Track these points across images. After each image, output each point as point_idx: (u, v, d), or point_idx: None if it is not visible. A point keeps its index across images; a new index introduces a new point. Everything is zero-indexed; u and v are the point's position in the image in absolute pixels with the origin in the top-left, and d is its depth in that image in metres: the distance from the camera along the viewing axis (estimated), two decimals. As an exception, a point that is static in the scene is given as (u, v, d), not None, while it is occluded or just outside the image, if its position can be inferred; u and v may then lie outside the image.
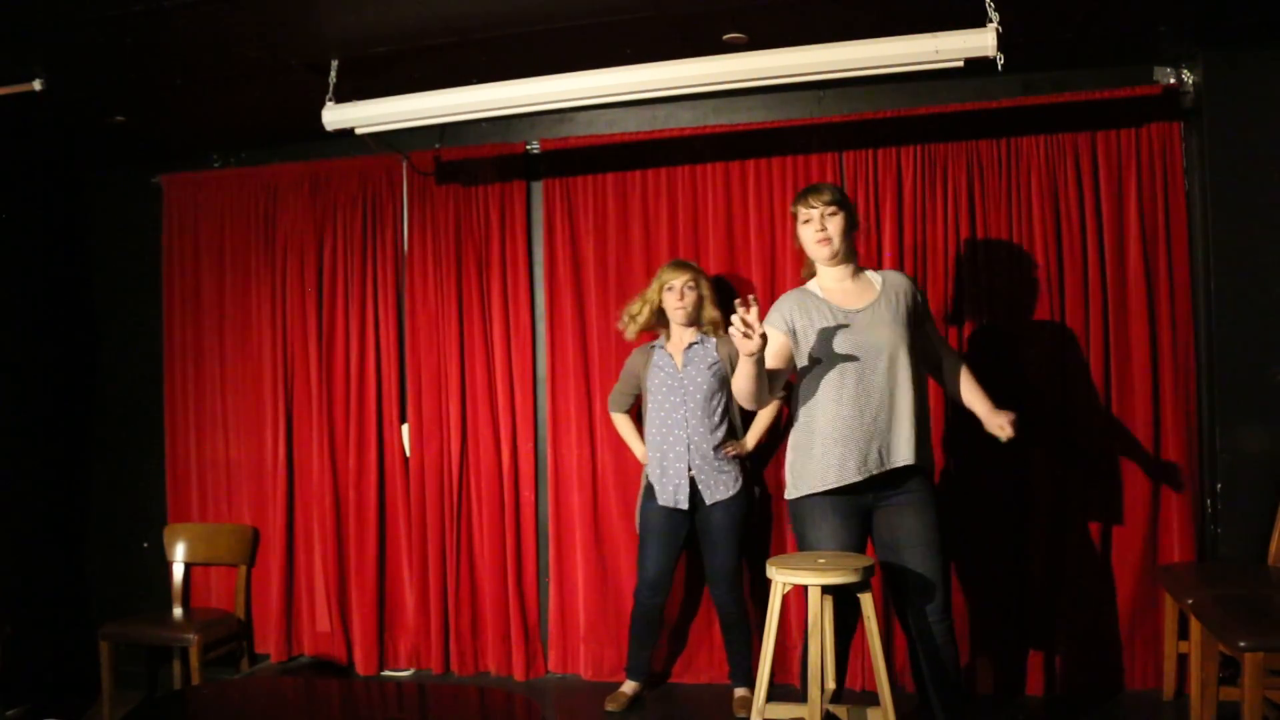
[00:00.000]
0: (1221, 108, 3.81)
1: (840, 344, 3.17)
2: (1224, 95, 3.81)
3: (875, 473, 3.14)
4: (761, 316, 3.02)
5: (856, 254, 3.36)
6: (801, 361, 3.26)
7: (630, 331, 4.04)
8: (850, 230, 3.28)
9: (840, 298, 3.26)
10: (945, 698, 3.19)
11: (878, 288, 3.28)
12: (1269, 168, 3.75)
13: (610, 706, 3.99)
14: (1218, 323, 3.81)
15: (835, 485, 3.14)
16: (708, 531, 3.94)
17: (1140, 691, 3.91)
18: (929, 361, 3.40)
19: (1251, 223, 3.77)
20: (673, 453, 3.92)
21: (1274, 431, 3.73)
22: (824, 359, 3.19)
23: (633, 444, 4.16)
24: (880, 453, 3.14)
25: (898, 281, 3.31)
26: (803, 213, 3.28)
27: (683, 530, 3.97)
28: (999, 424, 3.23)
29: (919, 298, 3.34)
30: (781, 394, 3.87)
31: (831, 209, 3.24)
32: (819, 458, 3.17)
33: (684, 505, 3.91)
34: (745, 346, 2.91)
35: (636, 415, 4.18)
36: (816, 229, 3.24)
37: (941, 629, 3.18)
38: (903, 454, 3.14)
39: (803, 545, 3.26)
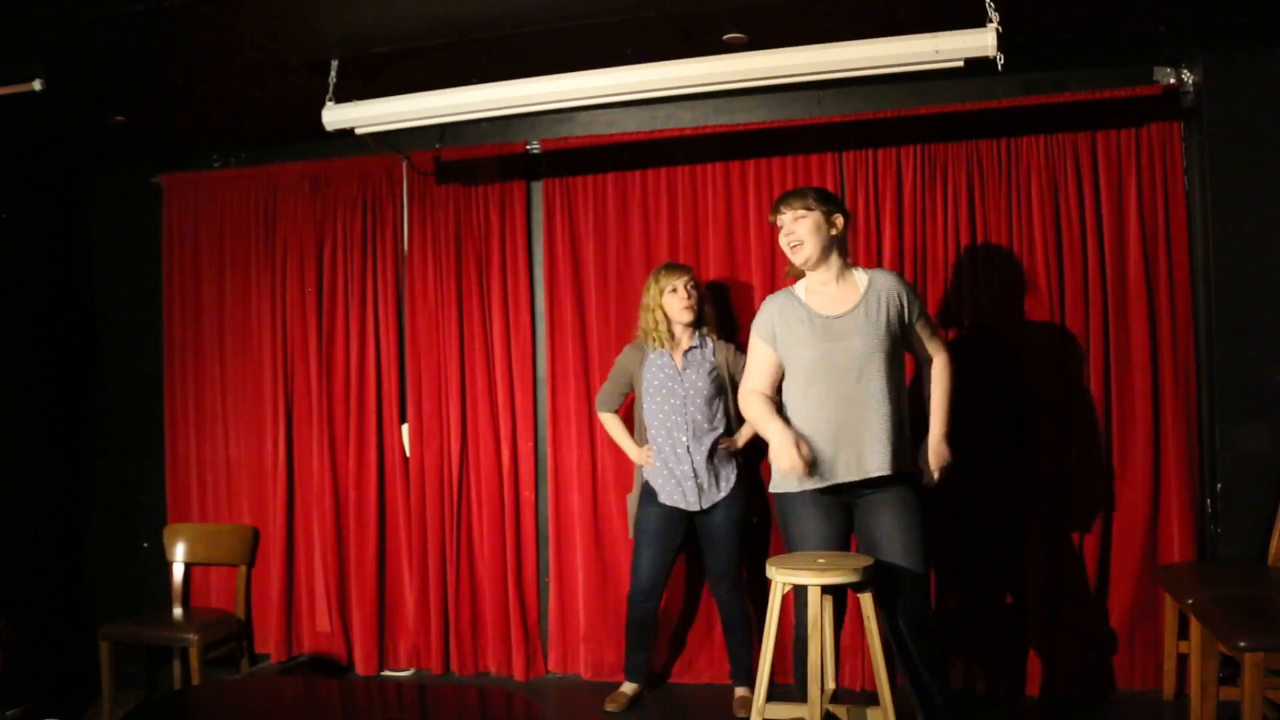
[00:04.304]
0: (1221, 108, 3.81)
1: (813, 351, 3.20)
2: (1224, 95, 3.81)
3: (843, 481, 3.17)
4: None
5: (845, 253, 3.33)
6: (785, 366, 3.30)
7: (663, 345, 3.94)
8: (829, 230, 3.25)
9: (821, 302, 3.26)
10: (920, 694, 3.24)
11: (861, 291, 3.24)
12: (1269, 168, 3.75)
13: (610, 707, 3.99)
14: (1218, 323, 3.81)
15: (806, 488, 3.19)
16: (707, 532, 3.93)
17: (1140, 692, 3.91)
18: (920, 359, 3.39)
19: (1251, 223, 3.77)
20: (674, 456, 3.90)
21: (1274, 431, 3.73)
22: (798, 365, 3.24)
23: (624, 444, 4.10)
24: (850, 461, 3.16)
25: (883, 283, 3.25)
26: (777, 223, 3.32)
27: (680, 533, 3.96)
28: (932, 466, 3.28)
29: (906, 297, 3.26)
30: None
31: (799, 214, 3.24)
32: None
33: (695, 506, 3.89)
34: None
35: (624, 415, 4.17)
36: (785, 235, 3.28)
37: (912, 628, 3.19)
38: (875, 464, 3.15)
39: (786, 539, 3.31)
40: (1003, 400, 3.95)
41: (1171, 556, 3.90)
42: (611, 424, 4.14)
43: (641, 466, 4.01)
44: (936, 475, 3.30)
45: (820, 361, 3.19)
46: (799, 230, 3.24)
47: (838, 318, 3.21)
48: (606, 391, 4.13)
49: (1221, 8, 3.47)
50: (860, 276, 3.30)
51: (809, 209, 3.24)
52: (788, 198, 3.29)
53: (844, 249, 3.33)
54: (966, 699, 3.93)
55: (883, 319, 3.19)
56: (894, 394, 3.18)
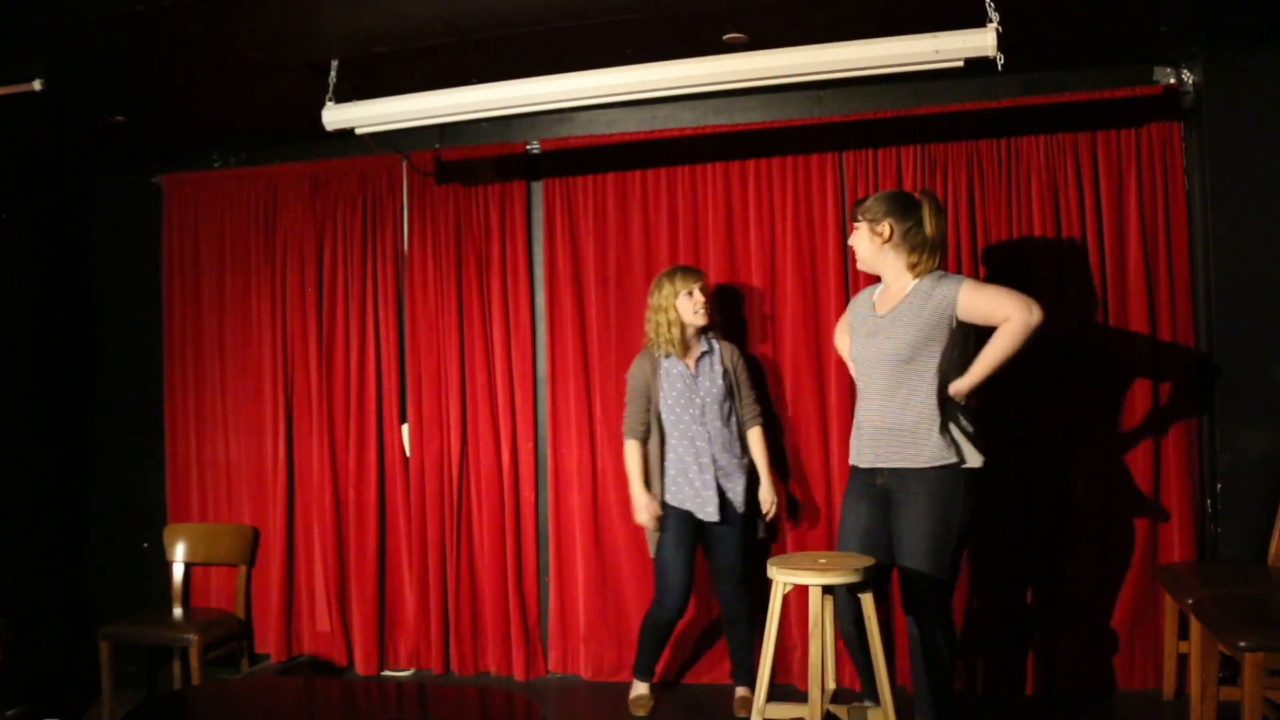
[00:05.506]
0: (1221, 108, 3.81)
1: (859, 345, 3.39)
2: (1224, 95, 3.81)
3: (864, 466, 3.34)
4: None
5: (910, 255, 3.26)
6: None
7: (674, 350, 3.87)
8: (876, 238, 3.29)
9: (881, 300, 3.39)
10: (919, 693, 3.25)
11: (904, 295, 3.26)
12: (1269, 168, 3.75)
13: (639, 712, 3.93)
14: (1218, 323, 3.81)
15: (852, 463, 3.42)
16: (714, 528, 3.91)
17: (1140, 691, 3.91)
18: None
19: (1251, 223, 3.77)
20: (696, 465, 3.86)
21: (1274, 431, 3.73)
22: (854, 356, 3.45)
23: (635, 482, 3.89)
24: (870, 451, 3.30)
25: (924, 288, 3.21)
26: None
27: (697, 532, 3.92)
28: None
29: (943, 300, 3.17)
30: (759, 418, 3.99)
31: (855, 223, 3.39)
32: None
33: (715, 517, 3.84)
34: None
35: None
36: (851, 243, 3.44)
37: (914, 629, 3.22)
38: (877, 456, 3.27)
39: None
40: (1002, 400, 3.95)
41: (1171, 556, 3.91)
42: (633, 455, 3.91)
43: (661, 481, 3.89)
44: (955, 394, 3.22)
45: (861, 356, 3.36)
46: (852, 241, 3.41)
47: (880, 317, 3.31)
48: (631, 416, 3.93)
49: (1221, 8, 3.47)
50: (916, 281, 3.27)
51: (857, 220, 3.37)
52: (855, 206, 3.45)
53: (908, 251, 3.27)
54: (966, 699, 3.93)
55: (919, 323, 3.19)
56: (915, 397, 3.19)
